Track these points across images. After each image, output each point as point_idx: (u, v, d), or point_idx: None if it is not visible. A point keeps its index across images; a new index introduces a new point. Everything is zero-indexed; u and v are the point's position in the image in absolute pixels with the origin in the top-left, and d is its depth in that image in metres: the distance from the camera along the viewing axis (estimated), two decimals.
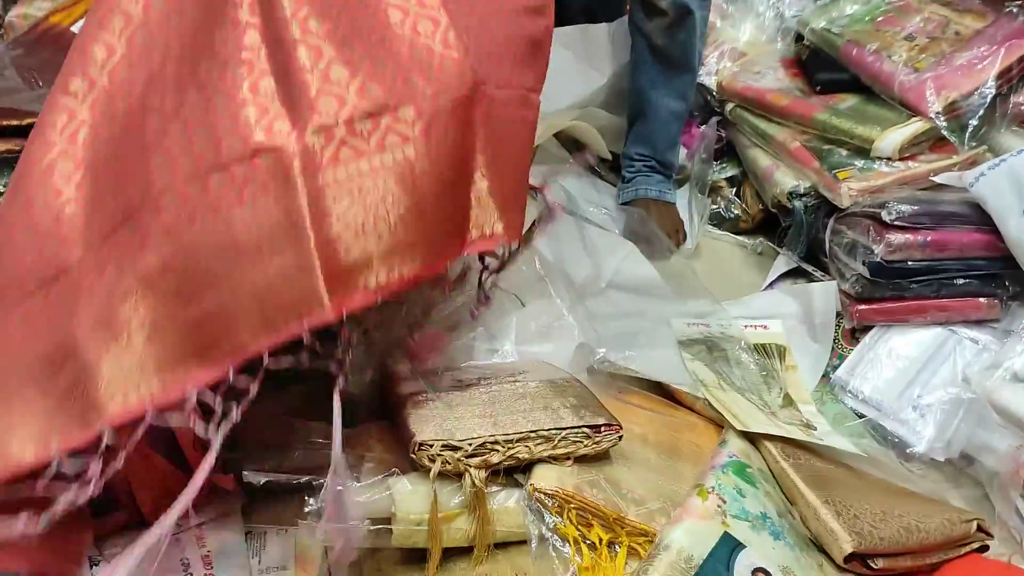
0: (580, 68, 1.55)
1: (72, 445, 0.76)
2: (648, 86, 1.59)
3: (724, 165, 1.79)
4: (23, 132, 1.07)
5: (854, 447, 1.16)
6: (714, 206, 1.75)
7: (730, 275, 1.64)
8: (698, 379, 1.24)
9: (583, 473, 0.98)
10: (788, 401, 1.26)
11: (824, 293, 1.40)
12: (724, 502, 0.96)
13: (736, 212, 1.74)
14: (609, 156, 1.73)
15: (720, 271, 1.66)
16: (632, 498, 0.97)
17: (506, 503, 0.96)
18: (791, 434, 1.14)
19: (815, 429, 1.19)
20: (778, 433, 1.12)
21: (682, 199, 1.72)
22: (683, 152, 1.75)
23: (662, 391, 1.28)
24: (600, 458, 1.01)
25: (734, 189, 1.76)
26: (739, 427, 1.11)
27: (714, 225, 1.73)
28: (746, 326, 1.40)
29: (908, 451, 1.22)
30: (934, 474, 1.23)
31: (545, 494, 0.94)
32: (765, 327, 1.40)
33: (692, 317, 1.39)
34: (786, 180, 1.53)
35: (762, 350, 1.35)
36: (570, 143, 1.68)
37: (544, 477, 0.96)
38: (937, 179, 1.35)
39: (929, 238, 1.24)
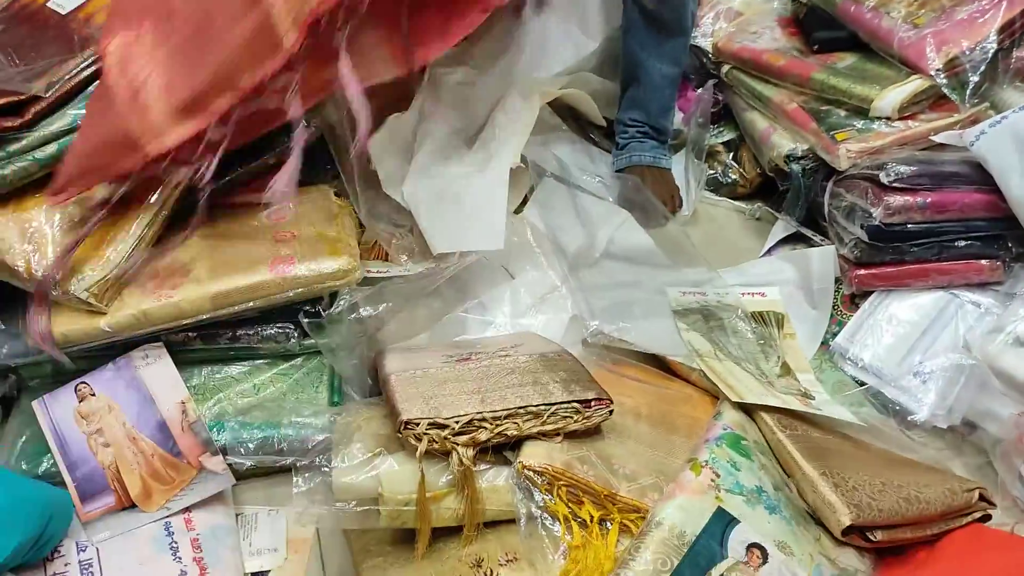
0: (571, 33, 1.51)
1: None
2: (640, 50, 1.54)
3: (721, 129, 1.75)
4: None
5: (853, 416, 1.14)
6: (711, 171, 1.71)
7: (728, 241, 1.61)
8: (693, 349, 1.22)
9: (573, 449, 0.96)
10: (786, 370, 1.24)
11: (822, 258, 1.36)
12: (718, 476, 0.94)
13: (733, 177, 1.70)
14: (603, 123, 1.69)
15: (717, 237, 1.63)
16: (624, 474, 0.96)
17: (495, 481, 0.95)
18: (788, 404, 1.11)
19: (813, 399, 1.17)
20: (774, 404, 1.10)
21: (678, 165, 1.68)
22: (679, 117, 1.72)
23: (658, 362, 1.26)
24: (591, 433, 1.00)
25: (731, 153, 1.72)
26: (734, 399, 1.09)
27: (711, 190, 1.69)
28: (743, 294, 1.37)
29: (909, 419, 1.20)
30: (936, 442, 1.20)
31: (534, 471, 0.93)
32: (763, 295, 1.38)
33: (688, 286, 1.37)
34: (783, 143, 1.49)
35: (759, 318, 1.32)
36: (564, 111, 1.65)
37: (533, 454, 0.94)
38: (937, 138, 1.30)
39: (929, 199, 1.20)
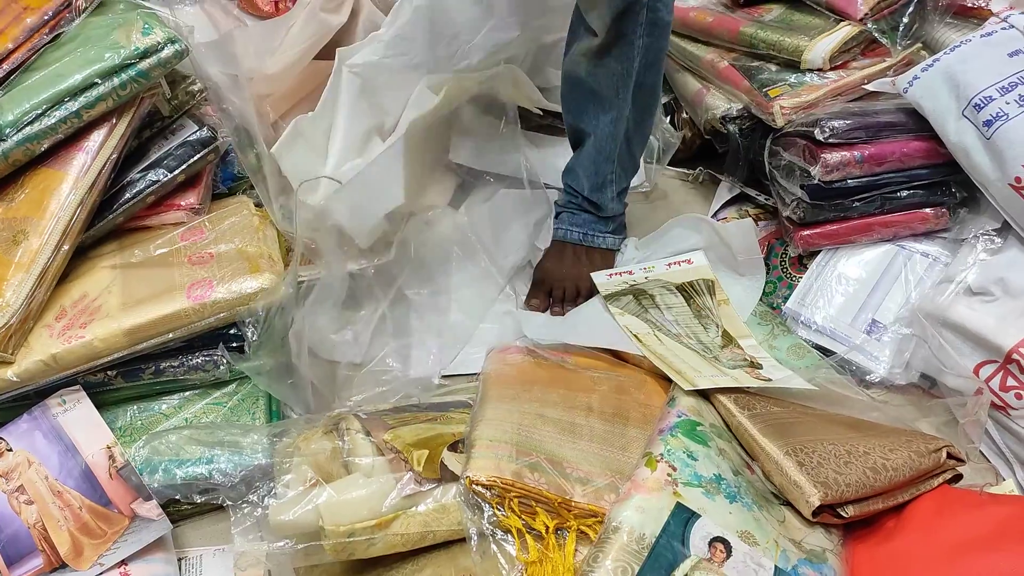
0: (489, 21, 1.37)
1: None
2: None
3: None
4: None
5: (806, 382, 1.11)
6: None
7: (673, 210, 1.55)
8: (632, 334, 1.18)
9: (522, 456, 0.91)
10: (727, 339, 1.20)
11: (741, 232, 1.30)
12: (674, 469, 0.90)
13: (672, 141, 1.65)
14: (543, 109, 1.60)
15: (664, 206, 1.58)
16: (577, 477, 0.91)
17: (443, 499, 0.89)
18: (739, 381, 1.08)
19: (760, 367, 1.13)
20: (725, 383, 1.06)
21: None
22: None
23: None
24: (541, 438, 0.95)
25: (668, 117, 1.67)
26: (686, 387, 1.04)
27: (648, 163, 1.63)
28: (669, 264, 1.32)
29: (867, 378, 1.17)
30: (898, 398, 1.18)
31: (482, 485, 0.88)
32: (689, 262, 1.32)
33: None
34: (718, 103, 1.45)
35: (690, 288, 1.28)
36: (497, 109, 1.56)
37: (480, 467, 0.89)
38: (870, 87, 1.26)
39: (866, 152, 1.16)
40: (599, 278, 1.31)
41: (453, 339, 1.30)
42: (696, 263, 1.31)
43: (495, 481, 0.87)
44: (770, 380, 1.10)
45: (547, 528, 0.86)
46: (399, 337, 1.28)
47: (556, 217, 1.41)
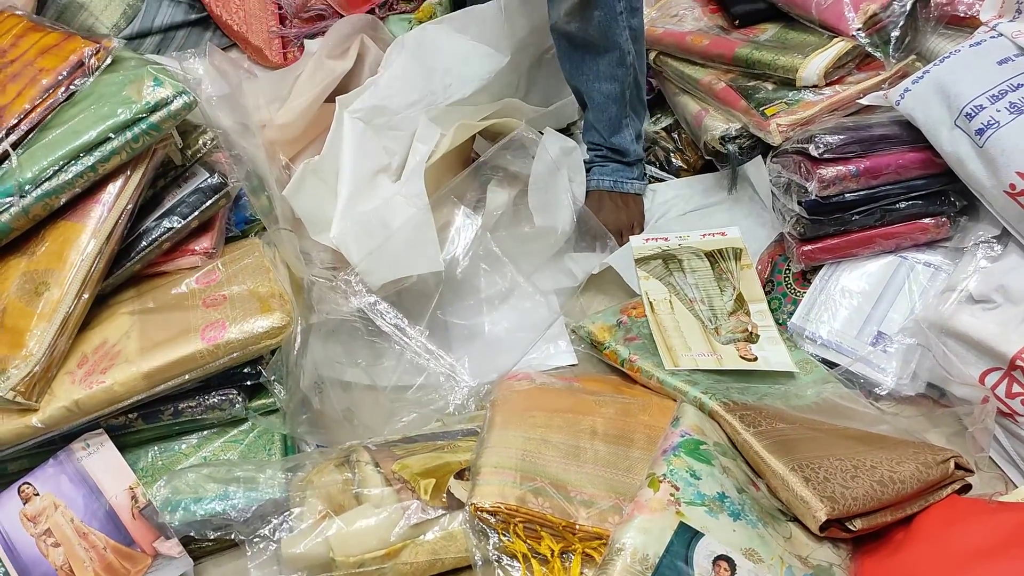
0: (478, 50, 1.46)
1: None
2: (575, 74, 1.48)
3: (659, 116, 1.72)
4: None
5: (793, 364, 1.17)
6: (654, 160, 1.68)
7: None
8: (649, 301, 1.26)
9: (526, 482, 0.93)
10: (739, 304, 1.26)
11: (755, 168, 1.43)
12: (677, 489, 0.91)
13: (677, 162, 1.67)
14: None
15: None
16: (581, 500, 0.93)
17: (450, 527, 0.91)
18: (722, 361, 1.15)
19: (755, 341, 1.19)
20: (706, 365, 1.14)
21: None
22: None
23: (618, 372, 1.24)
24: (545, 463, 0.96)
25: (673, 141, 1.69)
26: (668, 366, 1.13)
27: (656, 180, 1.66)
28: (704, 235, 1.40)
29: (876, 390, 1.17)
30: (908, 410, 1.18)
31: (487, 512, 0.89)
32: (723, 233, 1.40)
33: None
34: (717, 124, 1.46)
35: (717, 254, 1.34)
36: None
37: (485, 494, 0.91)
38: (864, 101, 1.28)
39: (862, 166, 1.17)
40: (636, 241, 1.40)
41: (494, 354, 1.32)
42: (729, 235, 1.39)
43: (499, 507, 0.89)
44: (755, 360, 1.16)
45: (552, 552, 0.88)
46: (437, 360, 1.31)
47: (588, 172, 1.55)
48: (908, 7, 1.32)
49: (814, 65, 1.34)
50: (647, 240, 1.42)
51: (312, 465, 1.05)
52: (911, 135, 1.18)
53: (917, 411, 1.17)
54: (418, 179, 1.33)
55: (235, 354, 1.10)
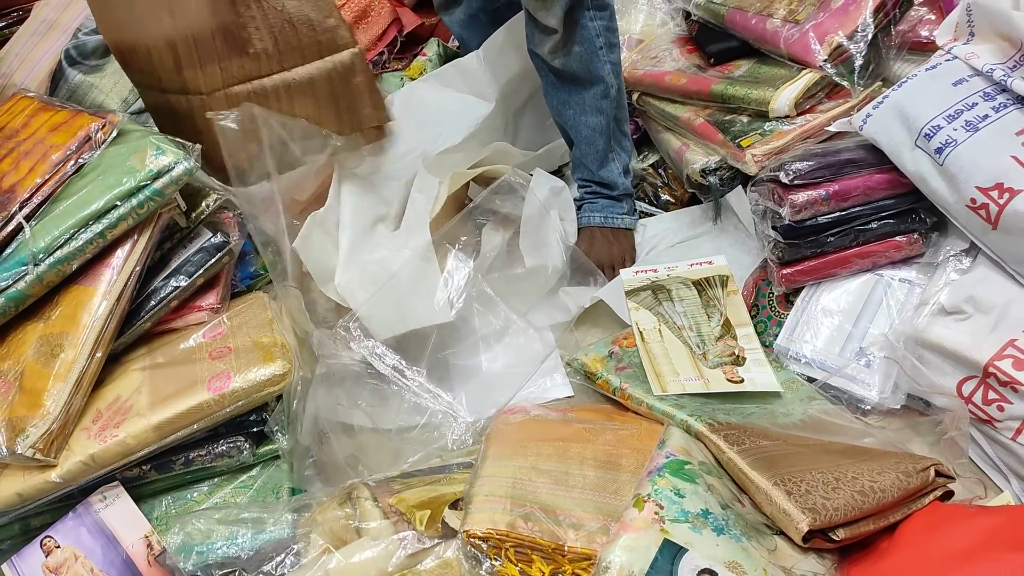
0: (465, 101, 1.54)
1: None
2: (561, 109, 1.56)
3: (645, 153, 1.78)
4: None
5: (777, 384, 1.19)
6: (642, 196, 1.74)
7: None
8: (639, 330, 1.30)
9: (516, 508, 0.97)
10: (726, 329, 1.30)
11: (737, 198, 1.48)
12: (661, 508, 0.94)
13: (665, 197, 1.72)
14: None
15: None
16: (570, 523, 0.96)
17: (444, 555, 0.95)
18: (709, 385, 1.19)
19: (742, 364, 1.23)
20: (693, 389, 1.18)
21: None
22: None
23: (612, 401, 1.28)
24: (535, 489, 1.00)
25: (661, 177, 1.75)
26: (657, 392, 1.17)
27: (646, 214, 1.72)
28: (691, 264, 1.44)
29: (861, 405, 1.20)
30: (895, 422, 1.20)
31: (479, 538, 0.93)
32: (710, 262, 1.44)
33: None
34: (697, 158, 1.52)
35: (704, 282, 1.38)
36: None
37: (477, 521, 0.95)
38: (832, 128, 1.33)
39: (831, 190, 1.22)
40: (626, 274, 1.44)
41: (491, 390, 1.37)
42: (716, 263, 1.43)
43: (491, 533, 0.93)
44: (742, 382, 1.20)
45: (543, 574, 0.91)
46: (436, 399, 1.36)
47: (579, 210, 1.61)
48: (870, 36, 1.37)
49: (785, 97, 1.40)
50: (636, 272, 1.46)
51: (317, 504, 1.09)
52: (877, 158, 1.23)
53: (903, 423, 1.19)
54: (423, 230, 1.39)
55: (240, 402, 1.15)
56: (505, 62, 1.57)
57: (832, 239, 1.25)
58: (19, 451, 1.09)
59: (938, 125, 1.14)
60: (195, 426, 1.15)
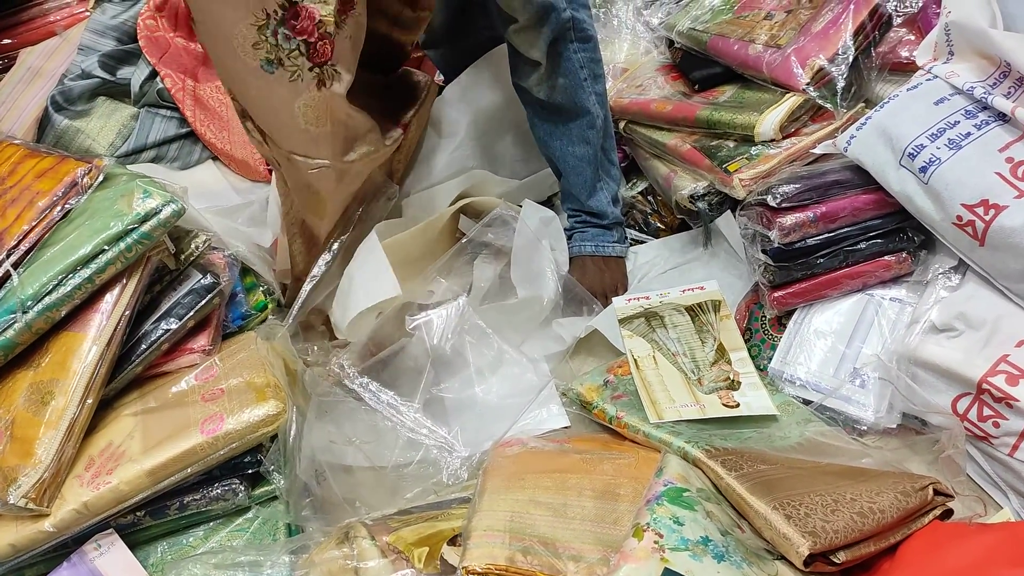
0: (432, 138, 1.57)
1: None
2: (548, 140, 1.57)
3: (634, 181, 1.78)
4: None
5: (773, 407, 1.20)
6: (633, 222, 1.75)
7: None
8: (633, 358, 1.31)
9: (515, 541, 0.96)
10: (720, 354, 1.30)
11: (726, 223, 1.51)
12: (661, 537, 0.93)
13: (655, 223, 1.73)
14: None
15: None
16: (570, 555, 0.95)
17: None
18: (705, 410, 1.19)
19: (737, 388, 1.23)
20: (690, 415, 1.18)
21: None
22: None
23: (608, 430, 1.27)
24: (533, 522, 0.99)
25: (650, 202, 1.76)
26: (653, 419, 1.17)
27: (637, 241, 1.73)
28: (683, 290, 1.46)
29: (857, 426, 1.20)
30: (892, 442, 1.20)
31: (478, 573, 0.92)
32: (702, 288, 1.45)
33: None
34: (685, 184, 1.53)
35: (697, 308, 1.39)
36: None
37: (475, 556, 0.94)
38: (817, 150, 1.34)
39: (819, 211, 1.22)
40: (619, 302, 1.45)
41: (487, 423, 1.35)
42: (708, 289, 1.44)
43: (490, 568, 0.92)
44: (738, 406, 1.20)
45: None
46: (431, 434, 1.34)
47: (569, 239, 1.62)
48: (852, 59, 1.39)
49: (769, 121, 1.41)
50: (629, 300, 1.47)
51: (314, 544, 1.08)
52: (862, 178, 1.24)
53: (900, 442, 1.19)
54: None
55: (234, 444, 1.15)
56: (478, 98, 1.59)
57: (822, 261, 1.26)
58: (11, 501, 1.07)
59: (921, 144, 1.15)
60: (189, 470, 1.14)
